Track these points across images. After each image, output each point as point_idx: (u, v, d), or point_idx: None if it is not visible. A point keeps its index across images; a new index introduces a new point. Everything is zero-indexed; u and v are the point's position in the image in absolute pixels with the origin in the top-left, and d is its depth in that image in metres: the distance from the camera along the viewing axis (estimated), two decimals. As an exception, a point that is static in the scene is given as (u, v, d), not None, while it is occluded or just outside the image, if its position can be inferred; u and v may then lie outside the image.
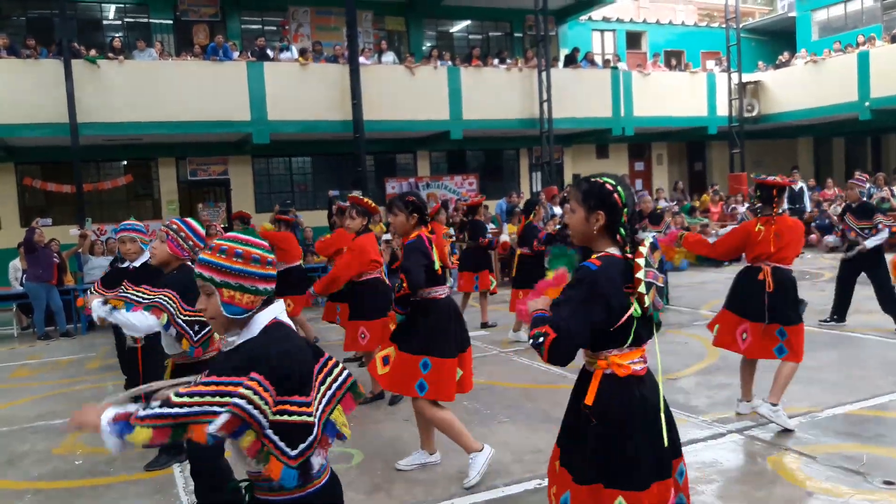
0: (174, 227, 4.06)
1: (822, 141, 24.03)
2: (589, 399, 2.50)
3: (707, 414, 5.49)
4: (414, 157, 19.43)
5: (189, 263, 4.01)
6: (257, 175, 17.79)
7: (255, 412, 1.92)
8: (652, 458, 2.47)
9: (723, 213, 16.88)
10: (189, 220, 4.13)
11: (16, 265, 11.96)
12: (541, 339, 2.35)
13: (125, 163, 16.95)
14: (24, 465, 5.24)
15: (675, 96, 19.76)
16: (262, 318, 2.12)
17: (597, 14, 21.88)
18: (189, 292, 3.74)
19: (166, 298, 3.85)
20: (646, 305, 2.46)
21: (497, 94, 17.37)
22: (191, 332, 3.83)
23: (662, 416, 2.51)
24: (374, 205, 6.45)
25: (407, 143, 18.69)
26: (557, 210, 14.85)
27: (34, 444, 5.73)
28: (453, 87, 16.96)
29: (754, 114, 21.13)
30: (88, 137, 14.01)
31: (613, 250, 2.52)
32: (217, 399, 1.91)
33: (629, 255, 2.49)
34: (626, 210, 2.52)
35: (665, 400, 2.56)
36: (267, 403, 1.94)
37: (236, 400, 1.90)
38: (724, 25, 21.59)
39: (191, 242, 4.03)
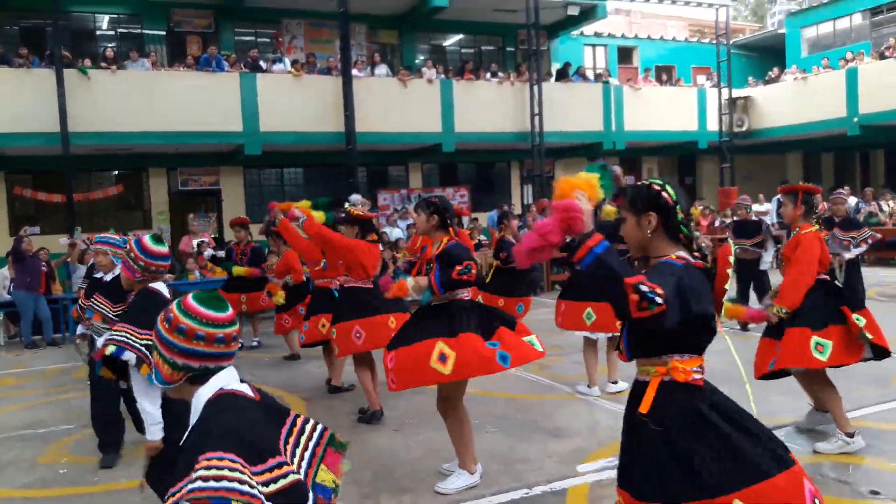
0: (127, 247, 3.84)
1: (811, 156, 24.22)
2: (644, 407, 2.34)
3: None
4: (406, 169, 19.47)
5: (151, 286, 3.75)
6: (249, 186, 17.78)
7: (249, 489, 1.71)
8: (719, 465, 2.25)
9: (711, 226, 16.96)
10: (144, 237, 3.81)
11: (3, 273, 11.88)
12: (658, 301, 2.09)
13: (116, 173, 16.92)
14: (9, 474, 5.20)
15: (666, 111, 19.90)
16: (203, 394, 1.92)
17: (588, 29, 22.05)
18: (144, 314, 3.51)
19: (125, 334, 3.56)
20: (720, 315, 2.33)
21: (489, 107, 17.45)
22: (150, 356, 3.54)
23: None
24: (358, 212, 6.19)
25: (399, 155, 18.74)
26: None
27: (20, 452, 5.68)
28: (446, 100, 17.03)
29: (744, 129, 21.29)
30: (80, 147, 13.97)
31: (682, 253, 2.41)
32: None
33: (697, 256, 2.40)
34: (678, 207, 2.43)
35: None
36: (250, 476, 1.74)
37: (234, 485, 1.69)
38: (714, 41, 21.79)
39: (141, 262, 3.70)
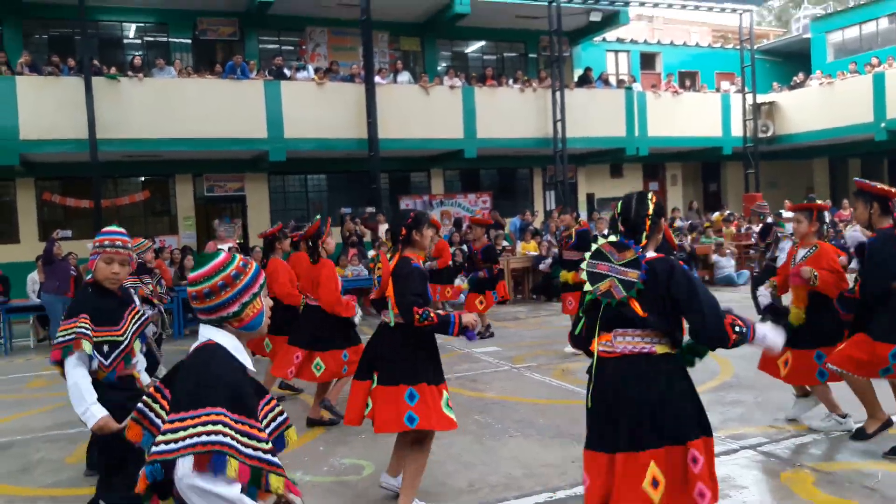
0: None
1: (837, 162, 23.93)
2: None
3: (720, 430, 5.44)
4: (428, 176, 19.53)
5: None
6: (273, 192, 17.94)
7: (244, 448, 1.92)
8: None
9: (737, 233, 16.79)
10: (112, 227, 3.73)
11: (33, 278, 12.09)
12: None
13: (143, 179, 17.15)
14: (37, 473, 5.28)
15: (690, 117, 19.79)
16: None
17: (611, 35, 21.99)
18: (98, 311, 3.50)
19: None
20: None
21: (511, 113, 17.47)
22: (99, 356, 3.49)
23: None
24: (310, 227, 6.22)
25: (421, 161, 18.80)
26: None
27: (48, 452, 5.77)
28: (468, 107, 17.08)
29: (769, 134, 21.10)
30: (107, 153, 14.21)
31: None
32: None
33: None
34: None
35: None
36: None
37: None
38: (738, 47, 21.64)
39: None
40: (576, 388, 6.99)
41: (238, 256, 2.21)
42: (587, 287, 3.01)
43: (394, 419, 3.94)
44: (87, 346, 3.39)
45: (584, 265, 3.05)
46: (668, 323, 2.93)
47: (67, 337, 3.39)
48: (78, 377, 3.39)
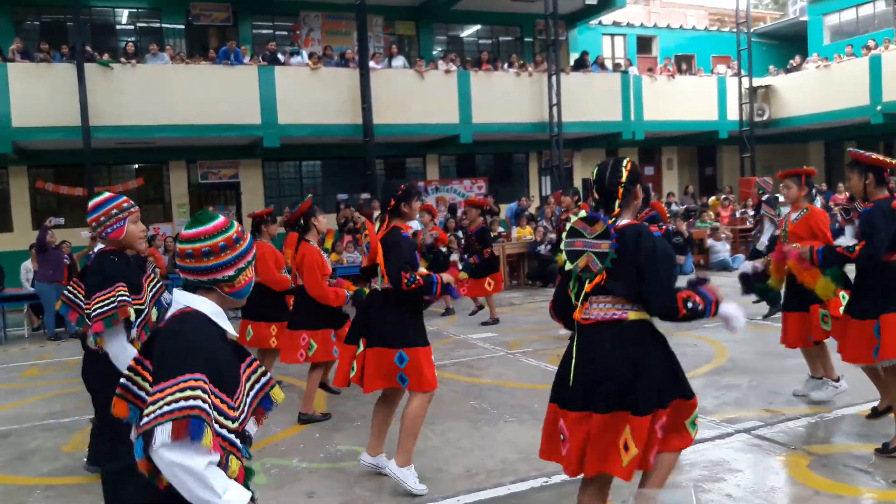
0: None
1: (833, 145, 23.89)
2: None
3: (715, 414, 5.47)
4: (423, 161, 19.47)
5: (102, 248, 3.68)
6: (267, 178, 17.88)
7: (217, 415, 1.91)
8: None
9: (732, 217, 16.80)
10: (108, 193, 3.66)
11: (27, 266, 12.05)
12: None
13: (137, 166, 17.07)
14: (34, 462, 5.28)
15: (686, 100, 19.72)
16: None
17: (607, 19, 21.88)
18: (126, 279, 3.49)
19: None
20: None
21: (507, 98, 17.39)
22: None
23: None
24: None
25: (416, 146, 18.74)
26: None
27: (44, 441, 5.77)
28: (463, 91, 17.00)
29: (765, 118, 21.05)
30: (100, 141, 14.13)
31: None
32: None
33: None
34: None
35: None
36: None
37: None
38: (734, 30, 21.54)
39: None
40: (572, 373, 7.00)
41: (237, 222, 2.20)
42: (567, 266, 3.12)
43: (385, 377, 4.19)
44: (132, 313, 3.38)
45: (562, 245, 3.16)
46: (636, 289, 2.97)
47: (110, 306, 3.32)
48: (125, 345, 3.37)
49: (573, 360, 3.06)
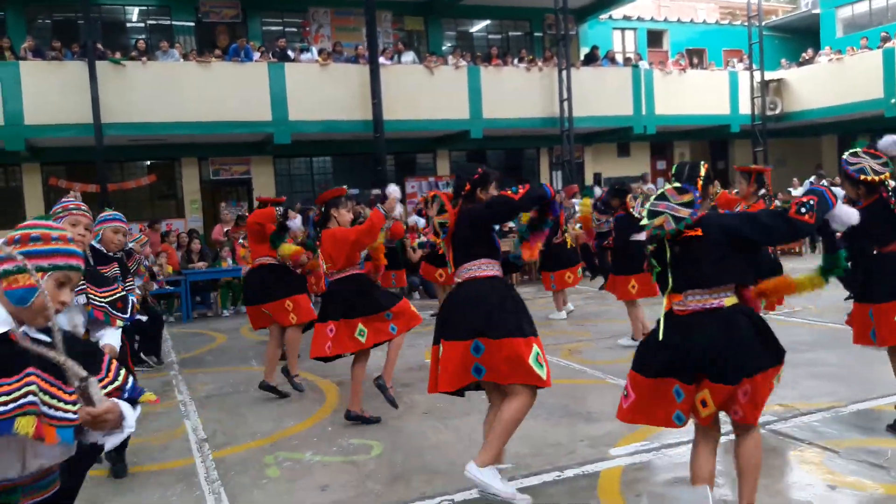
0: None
1: (846, 139, 23.68)
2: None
3: (728, 409, 5.45)
4: (434, 157, 19.46)
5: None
6: (279, 175, 17.92)
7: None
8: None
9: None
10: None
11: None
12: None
13: (149, 163, 17.15)
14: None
15: (697, 94, 19.61)
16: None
17: (617, 13, 21.78)
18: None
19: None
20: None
21: (517, 93, 17.35)
22: None
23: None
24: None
25: (427, 142, 18.73)
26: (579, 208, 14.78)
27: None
28: (473, 87, 16.96)
29: (777, 112, 20.91)
30: (112, 138, 14.20)
31: None
32: None
33: None
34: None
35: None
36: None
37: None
38: (746, 23, 21.40)
39: None
40: (583, 368, 6.99)
41: (59, 225, 2.12)
42: (644, 222, 3.30)
43: (524, 368, 3.75)
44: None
45: (647, 204, 3.34)
46: (730, 276, 3.21)
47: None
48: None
49: (693, 340, 3.16)
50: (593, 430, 5.07)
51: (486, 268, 3.94)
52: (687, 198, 3.23)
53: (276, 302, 6.46)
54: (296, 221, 6.65)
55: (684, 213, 3.19)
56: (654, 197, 3.37)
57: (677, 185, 3.32)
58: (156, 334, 8.40)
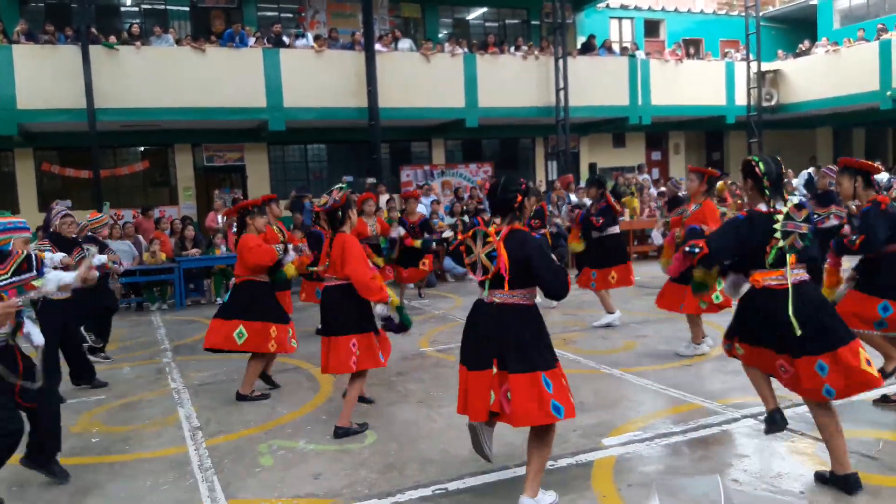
0: None
1: (841, 131, 23.75)
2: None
3: (722, 399, 5.47)
4: (429, 145, 19.40)
5: None
6: (273, 162, 17.84)
7: None
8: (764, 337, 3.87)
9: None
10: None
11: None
12: (696, 251, 3.84)
13: (142, 149, 17.05)
14: (41, 442, 5.30)
15: (694, 85, 19.57)
16: None
17: (614, 2, 21.69)
18: None
19: None
20: (780, 245, 3.72)
21: (513, 81, 17.28)
22: None
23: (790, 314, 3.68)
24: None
25: (422, 130, 18.67)
26: (574, 198, 14.77)
27: (52, 422, 5.79)
28: (469, 75, 16.89)
29: (773, 103, 20.90)
30: (106, 123, 14.10)
31: (762, 206, 3.83)
32: None
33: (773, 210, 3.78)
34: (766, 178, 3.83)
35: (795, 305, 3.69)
36: None
37: None
38: (743, 13, 21.35)
39: None
40: (577, 358, 7.00)
41: None
42: (781, 243, 3.74)
43: (536, 409, 3.60)
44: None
45: (778, 227, 3.75)
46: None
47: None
48: None
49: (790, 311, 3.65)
50: (586, 420, 5.08)
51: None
52: (804, 213, 3.79)
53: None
54: (291, 254, 6.47)
55: (805, 229, 3.75)
56: (783, 217, 3.73)
57: (795, 202, 3.82)
58: (104, 319, 8.10)
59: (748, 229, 3.77)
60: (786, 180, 9.23)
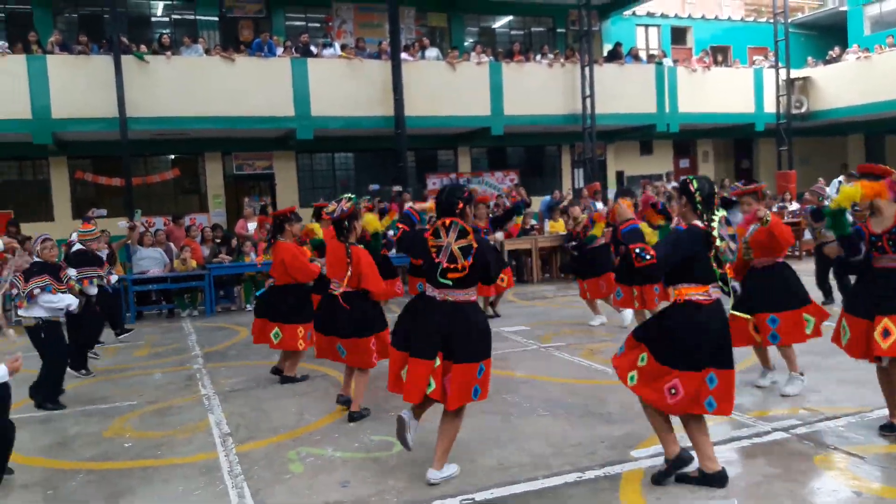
0: None
1: (873, 138, 23.38)
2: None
3: (752, 411, 5.41)
4: (455, 153, 19.45)
5: None
6: (301, 170, 18.01)
7: None
8: (706, 351, 3.95)
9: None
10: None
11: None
12: (647, 257, 3.83)
13: (172, 157, 17.29)
14: (75, 447, 5.40)
15: (722, 92, 19.42)
16: None
17: (641, 9, 21.59)
18: None
19: None
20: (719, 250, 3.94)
21: (539, 89, 17.29)
22: None
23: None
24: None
25: (448, 138, 18.72)
26: (600, 206, 14.69)
27: (85, 426, 5.89)
28: (495, 83, 16.92)
29: (803, 110, 20.66)
30: (137, 132, 14.35)
31: (697, 221, 4.00)
32: None
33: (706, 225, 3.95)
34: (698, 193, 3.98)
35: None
36: None
37: None
38: (771, 20, 21.15)
39: None
40: (604, 368, 6.96)
41: None
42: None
43: (466, 393, 4.20)
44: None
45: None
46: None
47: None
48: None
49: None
50: (613, 431, 5.06)
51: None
52: (731, 230, 4.06)
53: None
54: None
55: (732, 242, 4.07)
56: (717, 227, 3.94)
57: (723, 214, 3.99)
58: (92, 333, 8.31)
59: (689, 242, 3.93)
60: (817, 186, 9.06)
